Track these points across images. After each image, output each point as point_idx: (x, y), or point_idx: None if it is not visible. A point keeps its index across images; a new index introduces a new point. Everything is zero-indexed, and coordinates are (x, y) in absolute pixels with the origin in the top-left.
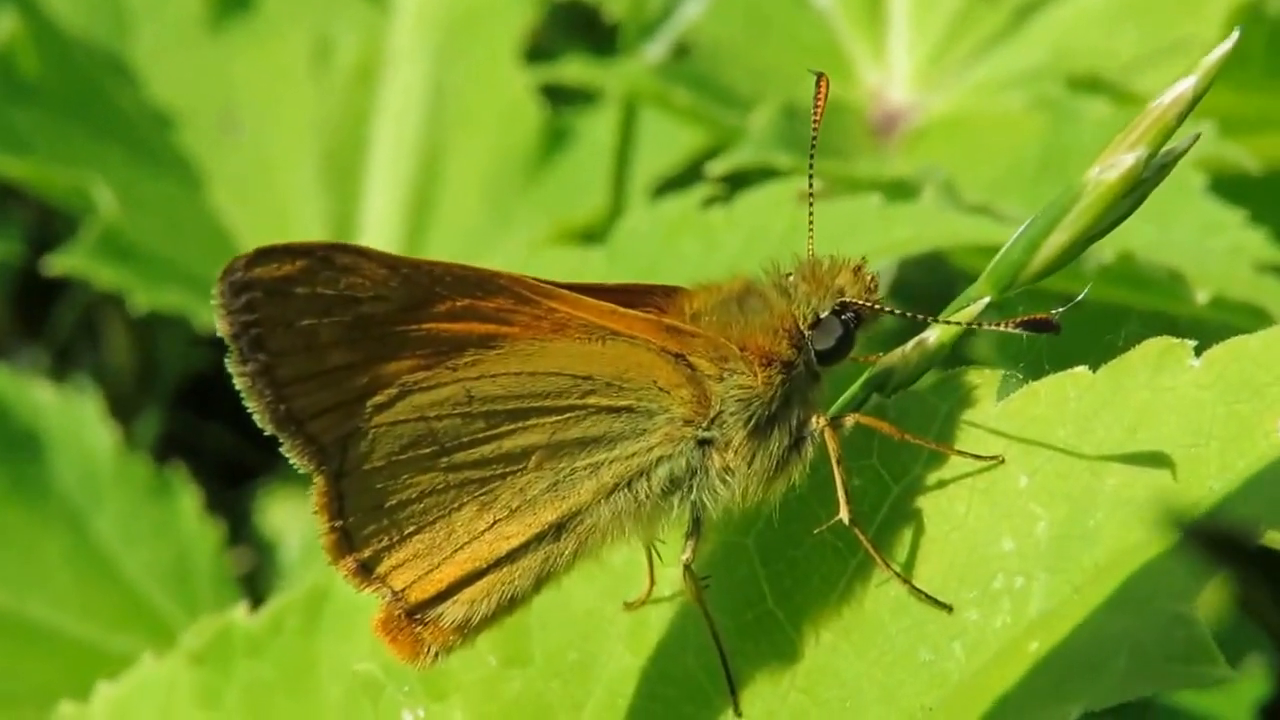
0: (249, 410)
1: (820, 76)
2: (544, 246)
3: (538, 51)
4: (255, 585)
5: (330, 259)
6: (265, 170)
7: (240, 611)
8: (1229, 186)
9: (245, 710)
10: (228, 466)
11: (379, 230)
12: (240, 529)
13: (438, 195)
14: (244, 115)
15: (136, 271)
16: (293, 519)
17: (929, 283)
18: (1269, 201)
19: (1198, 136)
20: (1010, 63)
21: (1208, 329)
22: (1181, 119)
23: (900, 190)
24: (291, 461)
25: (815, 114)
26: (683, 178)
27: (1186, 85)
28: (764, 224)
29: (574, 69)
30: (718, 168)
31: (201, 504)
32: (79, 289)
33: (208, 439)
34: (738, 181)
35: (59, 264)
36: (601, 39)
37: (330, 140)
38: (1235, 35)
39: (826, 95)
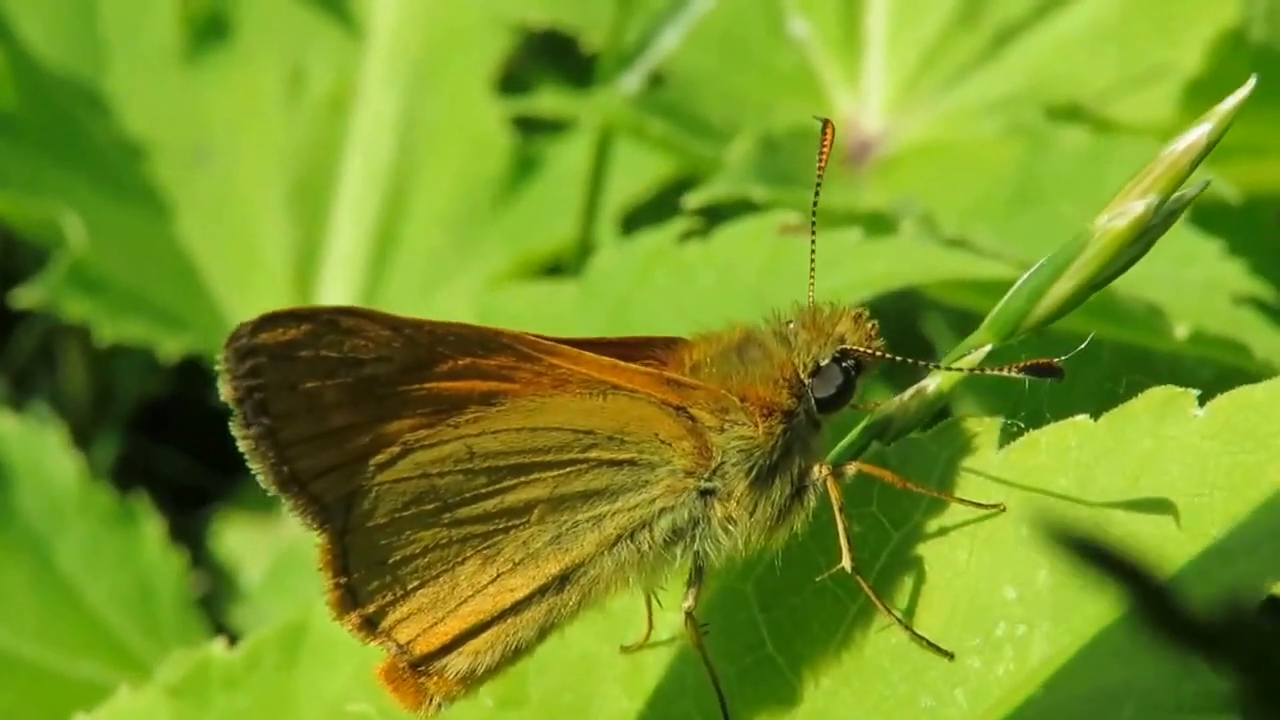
0: (252, 465)
1: (826, 123)
2: (509, 278)
3: (511, 79)
4: (211, 609)
5: (335, 322)
6: (233, 200)
7: (218, 646)
8: (1207, 215)
9: None
10: (183, 491)
11: (344, 258)
12: (196, 553)
13: (404, 223)
14: (215, 145)
15: (103, 304)
16: (249, 544)
17: (895, 310)
18: (1248, 230)
19: (1207, 183)
20: (987, 89)
21: (1184, 364)
22: (1194, 166)
23: (877, 223)
24: (297, 520)
25: (820, 160)
26: (653, 204)
27: (1201, 133)
28: (740, 258)
29: (549, 101)
30: (693, 200)
31: (164, 532)
32: (39, 316)
33: (164, 463)
34: (713, 212)
35: (27, 297)
36: (576, 64)
37: (300, 170)
38: (1252, 82)
39: (832, 142)
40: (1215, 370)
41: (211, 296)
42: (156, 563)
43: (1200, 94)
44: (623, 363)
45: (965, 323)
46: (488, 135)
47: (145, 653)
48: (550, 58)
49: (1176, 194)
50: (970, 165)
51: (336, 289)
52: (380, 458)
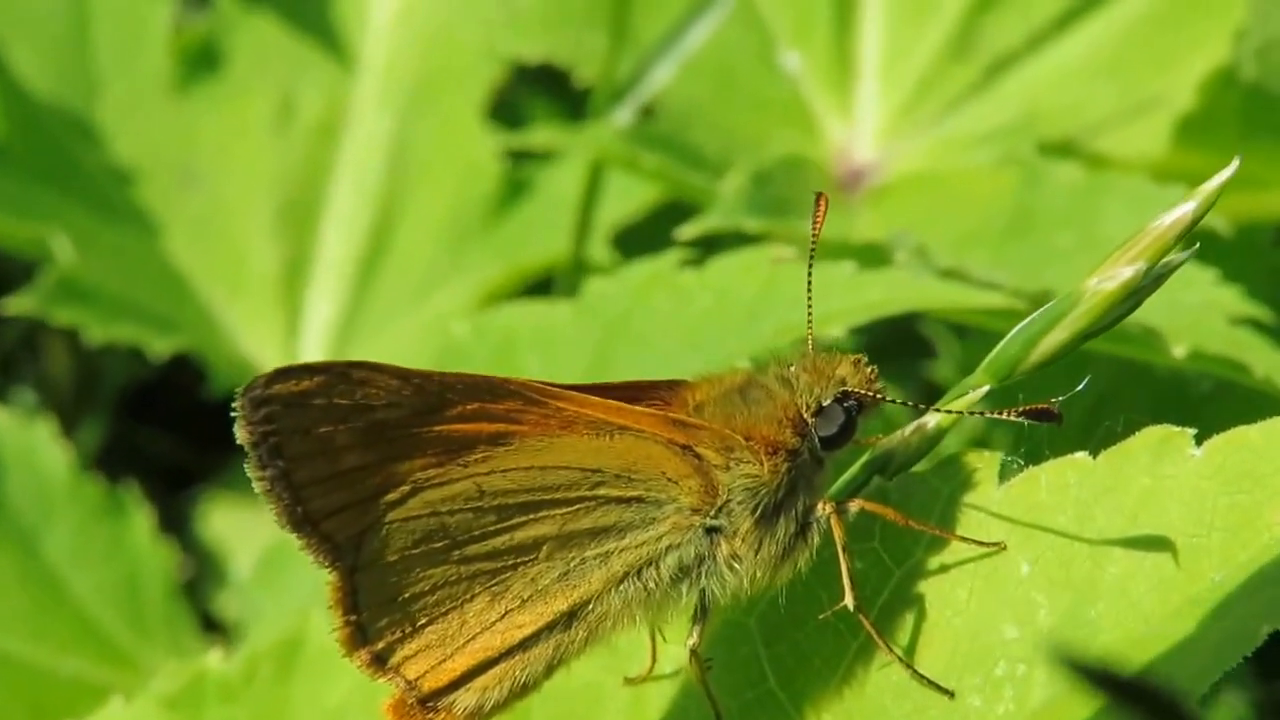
0: (268, 506)
1: (820, 196)
2: (501, 294)
3: (503, 105)
4: (197, 594)
5: (346, 374)
6: (222, 219)
7: (214, 657)
8: (1203, 237)
9: None
10: (170, 472)
11: (331, 272)
12: (182, 535)
13: (393, 241)
14: (204, 169)
15: (91, 311)
16: (236, 526)
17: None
18: (1240, 261)
19: (1196, 248)
20: (979, 120)
21: (1185, 376)
22: (1180, 239)
23: (872, 254)
24: (310, 558)
25: (814, 228)
26: (644, 225)
27: (1187, 209)
28: (736, 284)
29: (542, 135)
30: (687, 232)
31: (153, 524)
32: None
33: (150, 445)
34: (706, 242)
35: (15, 305)
36: (567, 92)
37: (289, 191)
38: (1236, 163)
39: (825, 213)
40: (1215, 382)
41: (201, 304)
42: (145, 555)
43: (1192, 129)
44: (628, 405)
45: (962, 326)
46: (479, 160)
47: (132, 648)
48: (542, 84)
49: (1164, 260)
50: (964, 195)
51: (325, 300)
52: (391, 496)
